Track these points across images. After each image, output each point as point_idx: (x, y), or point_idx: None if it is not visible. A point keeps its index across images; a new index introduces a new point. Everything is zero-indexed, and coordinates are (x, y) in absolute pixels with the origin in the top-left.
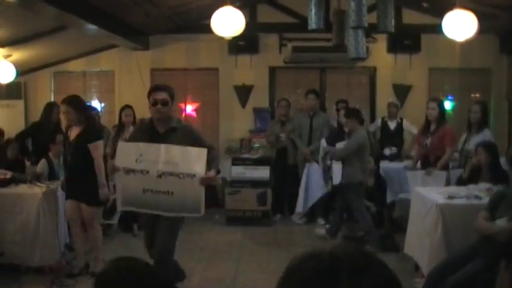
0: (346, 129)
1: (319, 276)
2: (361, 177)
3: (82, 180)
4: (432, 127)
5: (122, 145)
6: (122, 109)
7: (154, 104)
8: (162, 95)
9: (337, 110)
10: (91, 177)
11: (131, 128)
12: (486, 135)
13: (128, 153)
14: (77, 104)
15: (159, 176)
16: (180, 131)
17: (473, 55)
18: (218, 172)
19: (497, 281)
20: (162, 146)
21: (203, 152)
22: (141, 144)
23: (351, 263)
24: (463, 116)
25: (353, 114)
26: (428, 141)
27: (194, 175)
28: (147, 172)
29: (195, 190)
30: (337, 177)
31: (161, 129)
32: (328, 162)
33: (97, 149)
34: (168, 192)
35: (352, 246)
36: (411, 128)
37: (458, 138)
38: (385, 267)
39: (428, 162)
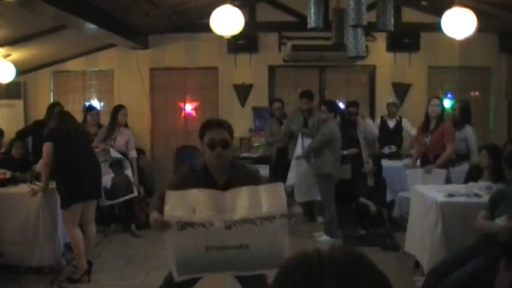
0: (322, 119)
1: (308, 280)
2: (331, 169)
3: None
4: (432, 125)
5: (171, 194)
6: (118, 109)
7: (211, 146)
8: (222, 134)
9: (349, 115)
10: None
11: (122, 129)
12: (468, 131)
13: (181, 203)
14: None
15: (228, 228)
16: (243, 178)
17: (473, 54)
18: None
19: (497, 279)
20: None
21: (279, 187)
22: (197, 191)
23: (338, 266)
24: None
25: (330, 106)
26: (428, 139)
27: (274, 217)
28: (211, 224)
29: (277, 237)
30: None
31: (220, 178)
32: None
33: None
34: (241, 245)
35: (343, 247)
36: (410, 129)
37: None
38: (374, 269)
39: (427, 160)
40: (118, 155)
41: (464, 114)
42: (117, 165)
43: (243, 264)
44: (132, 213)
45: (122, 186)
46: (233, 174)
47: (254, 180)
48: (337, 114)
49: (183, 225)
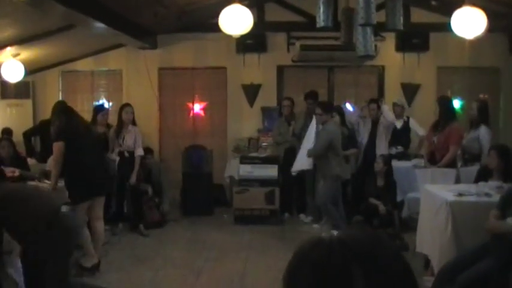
0: (320, 123)
1: (332, 265)
2: (337, 170)
3: None
4: (441, 125)
5: None
6: (122, 107)
7: None
8: None
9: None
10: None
11: (130, 127)
12: (482, 131)
13: None
14: None
15: None
16: None
17: (482, 54)
18: None
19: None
20: None
21: None
22: None
23: (361, 247)
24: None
25: (324, 108)
26: (435, 138)
27: None
28: None
29: None
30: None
31: None
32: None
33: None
34: None
35: (361, 230)
36: (418, 129)
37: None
38: (393, 247)
39: (434, 159)
40: None
41: (481, 114)
42: None
43: None
44: (141, 213)
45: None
46: None
47: None
48: (335, 114)
49: None
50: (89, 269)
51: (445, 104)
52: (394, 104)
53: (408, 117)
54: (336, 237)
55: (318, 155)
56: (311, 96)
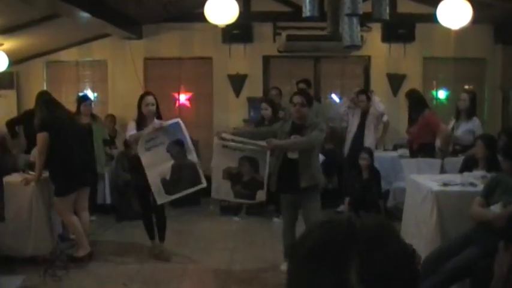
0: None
1: (333, 242)
2: (320, 177)
3: None
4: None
5: None
6: (141, 98)
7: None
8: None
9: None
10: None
11: (155, 122)
12: (475, 123)
13: None
14: None
15: None
16: None
17: (468, 45)
18: None
19: (496, 262)
20: None
21: None
22: None
23: (367, 232)
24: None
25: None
26: (412, 129)
27: None
28: None
29: None
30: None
31: None
32: None
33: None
34: None
35: (372, 217)
36: (378, 105)
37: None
38: (401, 241)
39: (411, 150)
40: (176, 135)
41: (474, 105)
42: (176, 148)
43: None
44: (164, 220)
45: (187, 175)
46: None
47: None
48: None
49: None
50: (82, 259)
51: (412, 97)
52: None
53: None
54: (346, 219)
55: (309, 147)
56: (304, 81)
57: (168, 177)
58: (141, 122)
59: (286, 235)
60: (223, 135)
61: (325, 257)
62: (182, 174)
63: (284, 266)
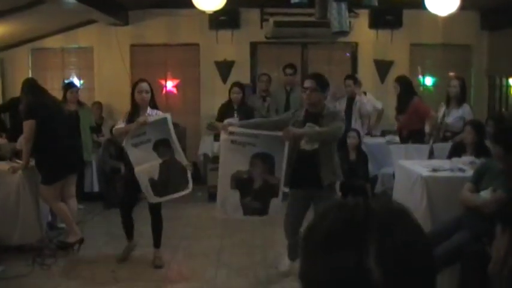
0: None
1: (351, 224)
2: (339, 173)
3: None
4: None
5: None
6: (134, 85)
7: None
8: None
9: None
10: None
11: (149, 112)
12: (466, 110)
13: None
14: None
15: None
16: None
17: (454, 31)
18: None
19: (494, 245)
20: None
21: None
22: None
23: (385, 214)
24: (443, 92)
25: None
26: (400, 116)
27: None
28: None
29: None
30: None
31: None
32: None
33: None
34: None
35: (389, 199)
36: (375, 102)
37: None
38: (419, 225)
39: (401, 136)
40: (163, 134)
41: (464, 92)
42: (163, 147)
43: None
44: (160, 222)
45: (175, 177)
46: None
47: None
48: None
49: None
50: (72, 244)
51: (402, 83)
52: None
53: (365, 93)
54: (363, 201)
55: (332, 140)
56: (290, 66)
57: (156, 178)
58: (134, 111)
59: (290, 235)
60: (231, 128)
61: (343, 240)
62: (170, 175)
63: (284, 267)
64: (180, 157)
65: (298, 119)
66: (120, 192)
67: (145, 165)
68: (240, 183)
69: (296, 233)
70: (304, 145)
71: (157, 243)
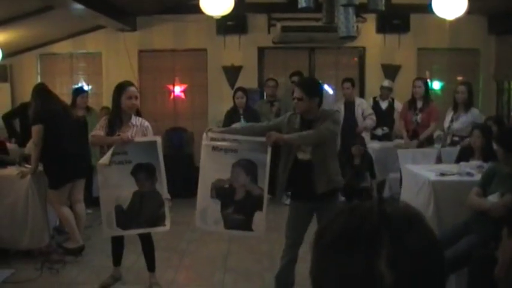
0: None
1: (363, 227)
2: (342, 180)
3: None
4: (419, 104)
5: None
6: (120, 89)
7: None
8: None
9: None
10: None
11: (133, 120)
12: (475, 114)
13: None
14: None
15: None
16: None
17: (462, 36)
18: None
19: (500, 248)
20: None
21: None
22: None
23: (398, 218)
24: (451, 96)
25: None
26: (419, 117)
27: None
28: None
29: None
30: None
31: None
32: None
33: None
34: None
35: (402, 203)
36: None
37: (443, 117)
38: (431, 229)
39: (417, 137)
40: (149, 158)
41: (471, 97)
42: (144, 173)
43: None
44: (151, 246)
45: (149, 210)
46: None
47: None
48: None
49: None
50: (72, 251)
51: (427, 85)
52: (383, 88)
53: (393, 99)
54: (376, 204)
55: (319, 142)
56: (297, 73)
57: (125, 207)
58: (116, 119)
59: (283, 269)
60: (211, 134)
61: (355, 243)
62: (143, 207)
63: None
64: (162, 189)
65: (294, 126)
66: None
67: (116, 190)
68: (221, 192)
69: (291, 269)
70: (301, 155)
71: (151, 267)
